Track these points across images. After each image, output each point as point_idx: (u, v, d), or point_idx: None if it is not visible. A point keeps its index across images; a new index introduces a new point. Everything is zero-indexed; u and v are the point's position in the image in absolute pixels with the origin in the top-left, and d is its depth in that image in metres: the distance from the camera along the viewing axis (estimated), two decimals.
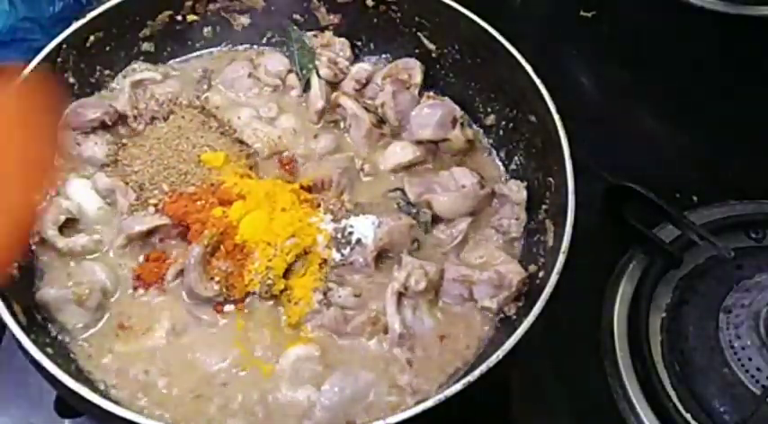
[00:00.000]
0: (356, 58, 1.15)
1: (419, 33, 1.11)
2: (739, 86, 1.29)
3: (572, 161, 0.91)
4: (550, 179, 0.95)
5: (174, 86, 1.08)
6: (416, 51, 1.12)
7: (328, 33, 1.13)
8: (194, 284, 0.90)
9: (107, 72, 1.08)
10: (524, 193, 0.99)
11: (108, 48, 1.06)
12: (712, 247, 1.02)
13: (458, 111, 1.05)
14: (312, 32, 1.13)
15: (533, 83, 0.96)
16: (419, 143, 1.04)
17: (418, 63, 1.10)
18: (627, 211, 1.09)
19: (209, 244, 0.91)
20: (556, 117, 0.93)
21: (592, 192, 1.05)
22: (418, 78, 1.09)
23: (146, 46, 1.10)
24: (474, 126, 1.10)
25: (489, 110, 1.09)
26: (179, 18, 1.11)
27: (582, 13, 1.38)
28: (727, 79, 1.30)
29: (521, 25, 1.28)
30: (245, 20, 1.15)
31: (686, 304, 1.05)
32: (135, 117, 1.04)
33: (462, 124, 1.05)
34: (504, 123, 1.06)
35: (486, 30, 1.02)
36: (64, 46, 1.00)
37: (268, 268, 0.90)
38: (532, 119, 0.99)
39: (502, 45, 1.00)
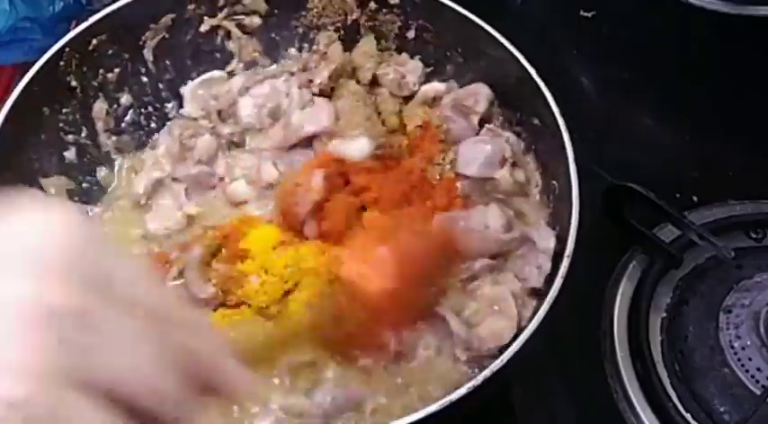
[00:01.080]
0: None
1: (423, 35, 1.11)
2: (739, 86, 1.29)
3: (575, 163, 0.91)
4: (554, 182, 0.95)
5: None
6: (420, 54, 1.13)
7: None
8: (190, 284, 0.89)
9: (109, 76, 1.08)
10: (552, 242, 0.92)
11: (111, 52, 1.06)
12: (712, 247, 1.02)
13: (507, 151, 0.99)
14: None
15: (537, 86, 0.96)
16: (465, 177, 1.00)
17: (486, 90, 1.06)
18: (627, 211, 1.09)
19: (212, 245, 0.90)
20: (560, 120, 0.93)
21: (592, 192, 1.05)
22: (482, 106, 1.05)
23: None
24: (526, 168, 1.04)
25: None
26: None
27: (582, 13, 1.38)
28: (728, 79, 1.30)
29: (521, 25, 1.28)
30: None
31: (686, 304, 1.05)
32: None
33: (514, 163, 1.00)
34: (506, 126, 1.06)
35: (489, 33, 1.01)
36: (67, 49, 1.00)
37: (265, 293, 0.89)
38: (535, 121, 0.99)
39: (504, 46, 1.00)
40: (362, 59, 1.11)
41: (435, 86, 1.10)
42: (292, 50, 1.17)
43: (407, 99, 1.10)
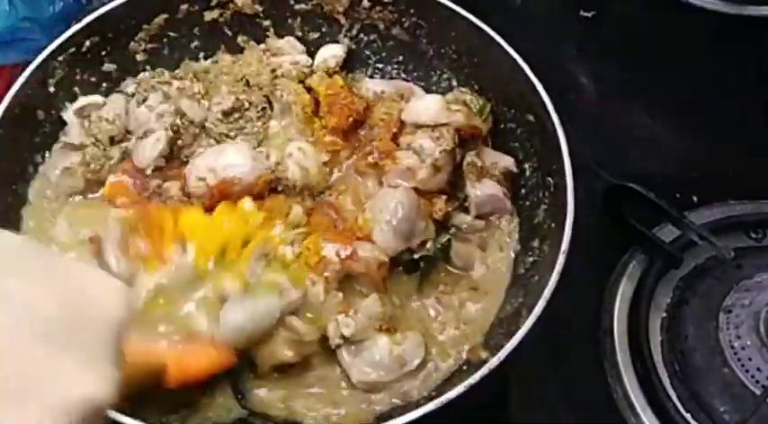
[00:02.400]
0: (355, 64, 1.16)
1: (417, 33, 1.11)
2: (739, 86, 1.29)
3: (570, 160, 0.90)
4: (549, 178, 0.95)
5: None
6: (413, 51, 1.13)
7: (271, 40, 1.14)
8: (106, 255, 0.88)
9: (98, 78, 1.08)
10: None
11: (104, 53, 1.06)
12: (712, 247, 1.02)
13: None
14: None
15: (531, 82, 0.96)
16: None
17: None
18: (627, 211, 1.08)
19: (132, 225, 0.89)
20: (553, 115, 0.93)
21: (592, 192, 1.05)
22: None
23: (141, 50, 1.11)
24: None
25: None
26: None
27: (582, 13, 1.38)
28: (728, 79, 1.30)
29: (521, 25, 1.27)
30: None
31: (686, 304, 1.05)
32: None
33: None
34: (502, 123, 1.06)
35: (484, 31, 1.02)
36: (60, 51, 1.00)
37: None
38: (530, 118, 0.99)
39: (499, 45, 1.00)
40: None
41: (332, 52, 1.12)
42: None
43: None
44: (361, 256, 0.91)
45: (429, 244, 0.96)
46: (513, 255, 0.99)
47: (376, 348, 0.88)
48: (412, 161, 0.96)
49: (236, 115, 1.04)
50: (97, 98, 1.05)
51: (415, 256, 0.95)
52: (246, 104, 1.05)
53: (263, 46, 1.13)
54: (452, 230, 0.99)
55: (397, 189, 0.96)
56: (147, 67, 1.10)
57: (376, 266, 0.91)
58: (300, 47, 1.13)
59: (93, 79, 1.06)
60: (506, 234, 1.01)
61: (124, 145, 1.01)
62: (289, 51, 1.12)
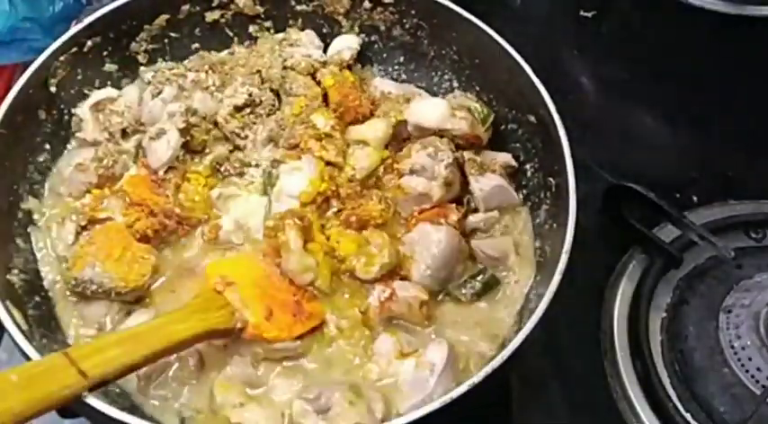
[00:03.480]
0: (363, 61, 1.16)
1: (418, 34, 1.11)
2: (739, 86, 1.29)
3: (572, 160, 0.91)
4: (551, 179, 0.95)
5: None
6: (414, 52, 1.13)
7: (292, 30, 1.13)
8: None
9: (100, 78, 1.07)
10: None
11: (105, 53, 1.06)
12: (712, 247, 1.02)
13: None
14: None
15: (532, 83, 0.96)
16: None
17: None
18: (627, 211, 1.09)
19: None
20: (555, 116, 0.93)
21: (592, 192, 1.05)
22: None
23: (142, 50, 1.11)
24: None
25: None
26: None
27: (582, 13, 1.39)
28: (727, 79, 1.30)
29: (521, 25, 1.28)
30: None
31: (686, 304, 1.05)
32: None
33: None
34: (503, 125, 1.06)
35: (485, 31, 1.02)
36: (61, 51, 1.00)
37: None
38: (532, 119, 0.99)
39: (500, 46, 1.00)
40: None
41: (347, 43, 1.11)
42: None
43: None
44: (401, 297, 0.90)
45: (467, 288, 0.95)
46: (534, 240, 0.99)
47: (406, 375, 0.86)
48: (420, 185, 0.96)
49: (248, 111, 1.04)
50: (111, 91, 1.05)
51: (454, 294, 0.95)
52: (258, 100, 1.05)
53: (281, 35, 1.13)
54: (476, 235, 0.99)
55: (438, 229, 0.94)
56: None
57: (418, 306, 0.91)
58: (318, 42, 1.13)
59: (94, 79, 1.06)
60: (522, 219, 1.01)
61: (137, 137, 1.02)
62: (305, 44, 1.11)
